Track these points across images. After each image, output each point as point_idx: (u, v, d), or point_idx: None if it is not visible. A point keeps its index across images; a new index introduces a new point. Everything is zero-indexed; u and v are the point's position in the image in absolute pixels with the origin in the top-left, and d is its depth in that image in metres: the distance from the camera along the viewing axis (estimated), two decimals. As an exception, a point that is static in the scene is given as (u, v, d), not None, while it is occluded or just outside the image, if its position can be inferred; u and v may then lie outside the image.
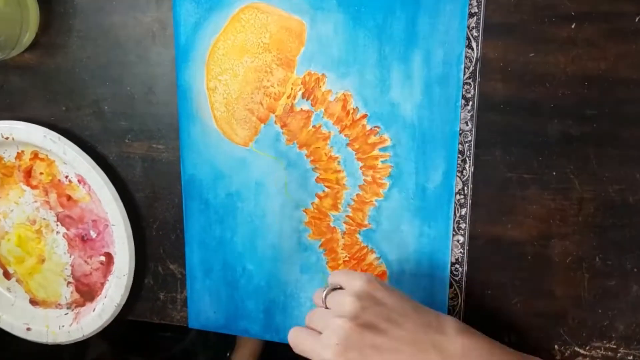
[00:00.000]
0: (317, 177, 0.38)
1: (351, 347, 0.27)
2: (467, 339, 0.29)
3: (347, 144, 0.37)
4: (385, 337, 0.28)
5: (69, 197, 0.42)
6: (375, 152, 0.36)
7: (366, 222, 0.37)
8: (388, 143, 0.36)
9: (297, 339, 0.30)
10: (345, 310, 0.29)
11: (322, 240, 0.39)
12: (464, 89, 0.34)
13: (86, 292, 0.44)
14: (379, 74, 0.35)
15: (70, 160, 0.40)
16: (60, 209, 0.42)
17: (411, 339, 0.28)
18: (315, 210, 0.38)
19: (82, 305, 0.43)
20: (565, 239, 0.34)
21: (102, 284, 0.42)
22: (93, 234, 0.43)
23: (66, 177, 0.42)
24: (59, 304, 0.44)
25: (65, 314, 0.43)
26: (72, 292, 0.43)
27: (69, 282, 0.44)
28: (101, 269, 0.43)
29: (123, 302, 0.41)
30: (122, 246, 0.40)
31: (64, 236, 0.43)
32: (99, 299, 0.42)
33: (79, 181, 0.41)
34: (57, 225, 0.43)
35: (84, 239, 0.43)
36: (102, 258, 0.42)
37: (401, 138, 0.36)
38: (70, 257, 0.43)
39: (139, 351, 0.66)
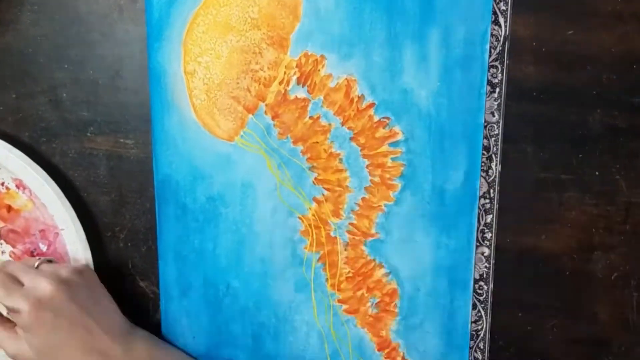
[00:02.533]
0: (315, 178, 0.37)
1: (47, 309, 0.34)
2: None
3: (351, 138, 0.36)
4: (85, 316, 0.35)
5: (9, 208, 0.41)
6: (385, 147, 0.36)
7: (373, 231, 0.37)
8: (399, 137, 0.35)
9: None
10: (62, 276, 0.36)
11: (321, 252, 0.38)
12: (489, 73, 0.34)
13: None
14: (388, 56, 0.35)
15: (3, 162, 0.39)
16: (1, 224, 0.41)
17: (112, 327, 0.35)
18: (313, 217, 0.38)
19: None
20: (610, 252, 0.34)
21: None
22: (43, 247, 0.42)
23: (2, 183, 0.41)
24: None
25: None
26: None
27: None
28: None
29: None
30: (77, 254, 0.40)
31: (10, 255, 0.42)
32: None
33: (17, 186, 0.41)
34: (1, 244, 0.42)
35: (34, 254, 0.42)
36: None
37: (415, 131, 0.35)
38: (23, 278, 0.42)
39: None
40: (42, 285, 0.34)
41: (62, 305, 0.34)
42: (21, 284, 0.35)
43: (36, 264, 0.37)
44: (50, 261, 0.38)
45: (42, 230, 0.41)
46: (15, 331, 0.35)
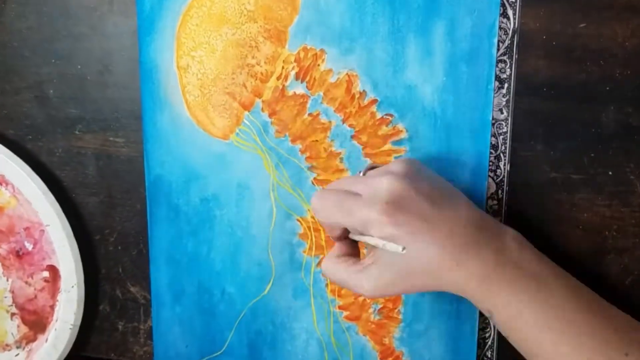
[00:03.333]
0: (315, 178, 0.37)
1: (403, 208, 0.28)
2: (524, 245, 0.30)
3: (352, 137, 0.36)
4: (440, 212, 0.29)
5: (-8, 206, 0.42)
6: (388, 146, 0.35)
7: None
8: (403, 135, 0.35)
9: (325, 199, 0.30)
10: (396, 171, 0.30)
11: (321, 256, 0.38)
12: (497, 68, 0.34)
13: (35, 323, 0.43)
14: (391, 50, 0.34)
15: None
16: (-17, 224, 0.42)
17: (464, 223, 0.29)
18: (312, 220, 0.37)
19: (33, 339, 0.43)
20: (624, 255, 0.34)
21: (52, 307, 0.42)
22: (29, 246, 0.42)
23: (-18, 180, 0.41)
24: (7, 345, 0.44)
25: (16, 355, 0.43)
26: (18, 326, 0.43)
27: (12, 314, 0.43)
28: (47, 288, 0.42)
29: (78, 323, 0.41)
30: (64, 250, 0.40)
31: (-5, 256, 0.43)
32: (50, 326, 0.42)
33: (-1, 183, 0.41)
34: (-16, 244, 0.43)
35: (20, 254, 0.42)
36: (46, 274, 0.42)
37: (419, 129, 0.35)
38: (8, 280, 0.43)
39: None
40: (384, 185, 0.29)
41: (415, 202, 0.28)
42: (358, 195, 0.30)
43: (362, 173, 0.32)
44: (373, 168, 0.32)
45: (27, 228, 0.41)
46: (362, 264, 0.30)
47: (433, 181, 0.31)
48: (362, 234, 0.30)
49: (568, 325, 0.27)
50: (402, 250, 0.27)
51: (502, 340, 0.36)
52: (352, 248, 0.33)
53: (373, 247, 0.30)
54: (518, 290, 0.28)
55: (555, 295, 0.28)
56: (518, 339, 0.29)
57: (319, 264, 0.37)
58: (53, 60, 0.39)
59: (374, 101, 0.35)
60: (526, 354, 0.29)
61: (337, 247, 0.33)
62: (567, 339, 0.27)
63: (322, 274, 0.31)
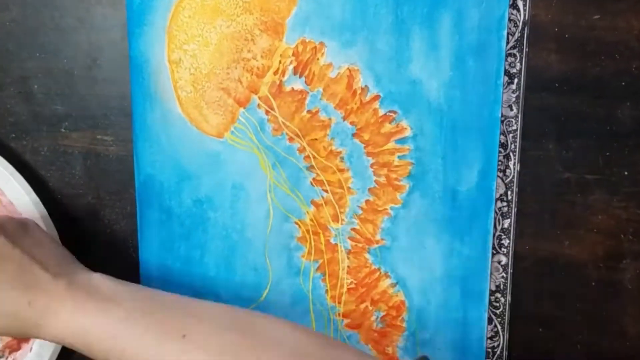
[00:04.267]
0: (314, 179, 0.37)
1: None
2: (97, 276, 0.34)
3: (354, 135, 0.36)
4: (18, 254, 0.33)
5: (-27, 209, 0.41)
6: (391, 144, 0.35)
7: (378, 237, 0.37)
8: (407, 133, 0.35)
9: None
10: None
11: (320, 261, 0.38)
12: (507, 62, 0.34)
13: None
14: (394, 43, 0.34)
15: None
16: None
17: (43, 258, 0.33)
18: (311, 222, 0.37)
19: (17, 349, 0.42)
20: None
21: None
22: None
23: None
24: None
25: (-1, 366, 0.43)
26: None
27: (-6, 321, 0.43)
28: None
29: None
30: None
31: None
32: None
33: (-21, 184, 0.41)
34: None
35: None
36: None
37: (424, 126, 0.35)
38: (-10, 284, 0.42)
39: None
40: None
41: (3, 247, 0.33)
42: None
43: None
44: None
45: None
46: None
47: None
48: None
49: (130, 321, 0.31)
50: None
51: (512, 350, 0.36)
52: None
53: None
54: (85, 313, 0.31)
55: (119, 306, 0.31)
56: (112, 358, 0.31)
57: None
58: (38, 54, 0.39)
59: (376, 97, 0.35)
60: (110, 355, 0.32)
61: None
62: (130, 333, 0.30)
63: None
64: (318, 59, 0.35)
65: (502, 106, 0.34)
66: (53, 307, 0.31)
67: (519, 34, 0.33)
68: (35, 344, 0.41)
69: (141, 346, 0.30)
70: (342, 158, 0.36)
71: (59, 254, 0.35)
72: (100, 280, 0.33)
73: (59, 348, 0.41)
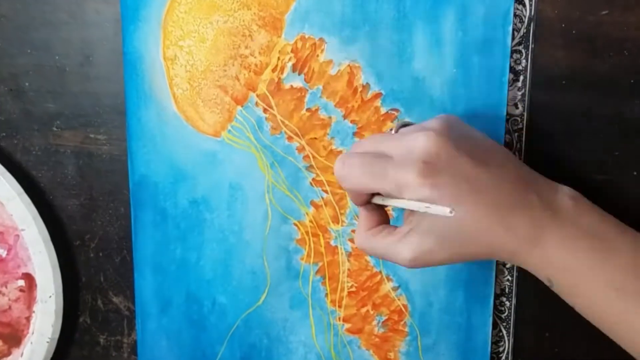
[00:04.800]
0: (313, 179, 0.37)
1: (442, 169, 0.27)
2: (581, 202, 0.29)
3: (354, 134, 0.36)
4: (484, 171, 0.27)
5: (-39, 211, 0.41)
6: None
7: None
8: None
9: (351, 165, 0.29)
10: (433, 127, 0.28)
11: (320, 264, 0.37)
12: (512, 59, 0.33)
13: (9, 336, 0.43)
14: (397, 39, 0.34)
15: None
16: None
17: (512, 181, 0.28)
18: (311, 224, 0.37)
19: (7, 354, 0.43)
20: None
21: (28, 319, 0.42)
22: (2, 252, 0.41)
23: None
24: None
25: (-10, 372, 0.44)
26: (-9, 340, 0.43)
27: (-16, 327, 0.43)
28: (22, 299, 0.42)
29: (56, 336, 0.41)
30: (40, 257, 0.40)
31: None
32: (26, 340, 0.42)
33: (-33, 184, 0.41)
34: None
35: None
36: (21, 282, 0.42)
37: None
38: (-21, 289, 0.43)
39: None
40: (420, 143, 0.27)
41: (455, 161, 0.27)
42: (389, 157, 0.28)
43: (393, 130, 0.30)
44: (405, 125, 0.31)
45: (0, 233, 0.41)
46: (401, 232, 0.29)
47: (475, 138, 0.29)
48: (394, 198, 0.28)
49: (638, 286, 0.26)
50: (450, 213, 0.26)
51: (517, 355, 0.36)
52: (381, 215, 0.31)
53: (411, 213, 0.29)
54: (577, 251, 0.27)
55: (622, 256, 0.27)
56: (585, 308, 0.28)
57: (351, 240, 0.37)
58: (29, 51, 0.39)
59: (378, 95, 0.35)
60: (598, 323, 0.28)
61: (365, 218, 0.31)
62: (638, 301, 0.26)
63: (359, 248, 0.31)
64: (318, 55, 0.35)
65: (507, 104, 0.34)
66: (537, 235, 0.27)
67: (525, 30, 0.33)
68: (27, 349, 0.42)
69: None
70: None
71: (516, 168, 0.29)
72: (591, 215, 0.28)
73: (52, 353, 0.41)
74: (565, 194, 0.29)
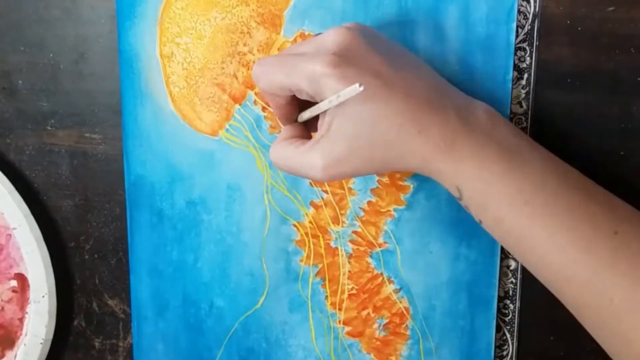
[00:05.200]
0: None
1: (352, 61, 0.27)
2: (495, 116, 0.29)
3: None
4: (397, 71, 0.27)
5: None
6: None
7: (381, 241, 0.36)
8: None
9: (266, 63, 0.29)
10: (346, 25, 0.29)
11: (320, 266, 0.37)
12: (516, 57, 0.33)
13: (3, 337, 0.43)
14: (398, 35, 0.34)
15: None
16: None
17: (426, 85, 0.28)
18: (310, 225, 0.37)
19: (1, 356, 0.43)
20: None
21: (21, 320, 0.42)
22: None
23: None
24: None
25: (-17, 375, 0.44)
26: (-17, 342, 0.43)
27: (-22, 329, 0.43)
28: (15, 299, 0.42)
29: (50, 337, 0.41)
30: (33, 257, 0.40)
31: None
32: (19, 342, 0.42)
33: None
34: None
35: None
36: (13, 283, 0.42)
37: None
38: (-29, 290, 0.43)
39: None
40: (331, 37, 0.27)
41: (367, 56, 0.27)
42: (302, 54, 0.28)
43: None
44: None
45: None
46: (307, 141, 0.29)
47: (390, 43, 0.30)
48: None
49: (548, 200, 0.26)
50: (360, 87, 0.25)
51: (521, 358, 0.36)
52: (302, 130, 0.31)
53: (323, 119, 0.29)
54: (489, 160, 0.27)
55: (533, 169, 0.27)
56: (492, 223, 0.28)
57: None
58: (22, 48, 0.39)
59: None
60: (503, 240, 0.28)
61: (285, 130, 0.31)
62: (547, 215, 0.26)
63: (272, 163, 0.31)
64: None
65: (511, 103, 0.34)
66: (450, 141, 0.27)
67: (529, 27, 0.33)
68: (20, 351, 0.41)
69: (557, 229, 0.26)
70: None
71: (422, 67, 0.29)
72: (504, 130, 0.28)
73: (45, 355, 0.41)
74: (480, 107, 0.29)
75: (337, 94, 0.26)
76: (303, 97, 0.29)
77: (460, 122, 0.27)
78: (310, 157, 0.28)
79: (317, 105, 0.28)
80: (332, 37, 0.27)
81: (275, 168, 0.36)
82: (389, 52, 0.28)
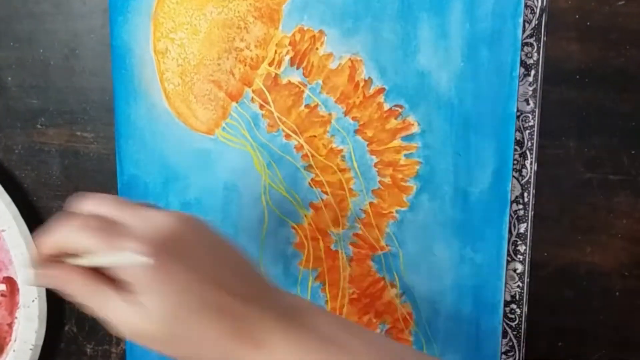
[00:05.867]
0: (313, 179, 0.37)
1: (182, 255, 0.26)
2: (312, 307, 0.28)
3: (356, 131, 0.36)
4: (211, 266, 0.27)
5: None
6: (397, 142, 0.35)
7: (383, 243, 0.37)
8: (415, 129, 0.35)
9: (81, 219, 0.27)
10: (178, 214, 0.28)
11: (320, 269, 0.37)
12: (523, 53, 0.33)
13: None
14: (401, 31, 0.34)
15: None
16: None
17: (242, 280, 0.27)
18: (309, 227, 0.37)
19: None
20: None
21: (10, 325, 0.42)
22: None
23: None
24: None
25: (-28, 382, 0.44)
26: (-29, 347, 0.44)
27: (-36, 333, 0.44)
28: (4, 304, 0.42)
29: (40, 343, 0.41)
30: (22, 258, 0.40)
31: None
32: (8, 347, 0.42)
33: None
34: None
35: None
36: (2, 287, 0.42)
37: (433, 122, 0.35)
38: (-42, 294, 0.43)
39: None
40: (159, 219, 0.26)
41: (189, 247, 0.26)
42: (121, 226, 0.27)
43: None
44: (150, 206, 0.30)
45: None
46: (130, 295, 0.26)
47: (222, 242, 0.29)
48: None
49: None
50: (151, 261, 0.24)
51: (528, 365, 0.36)
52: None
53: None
54: (308, 354, 0.26)
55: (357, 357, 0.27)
56: None
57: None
58: (11, 44, 0.39)
59: (381, 90, 0.35)
60: None
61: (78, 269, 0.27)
62: None
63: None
64: (317, 48, 0.35)
65: (517, 100, 0.34)
66: (263, 338, 0.26)
67: (537, 22, 0.33)
68: (10, 357, 0.42)
69: None
70: (343, 157, 0.36)
71: (249, 271, 0.29)
72: (316, 315, 0.28)
73: (37, 355, 0.41)
74: (296, 299, 0.29)
75: (128, 254, 0.25)
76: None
77: (272, 316, 0.26)
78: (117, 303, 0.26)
79: (106, 258, 0.25)
80: (167, 223, 0.26)
81: (273, 168, 0.37)
82: (220, 251, 0.28)
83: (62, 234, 0.26)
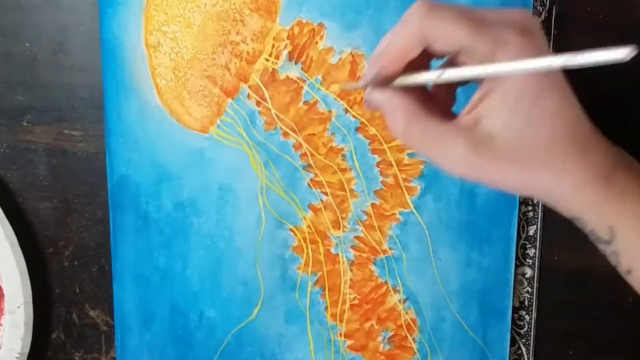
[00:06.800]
0: (312, 180, 0.37)
1: (543, 44, 0.24)
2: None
3: (357, 129, 0.36)
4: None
5: None
6: (400, 141, 0.35)
7: (385, 247, 0.37)
8: None
9: (444, 10, 0.24)
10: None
11: (319, 274, 0.37)
12: None
13: None
14: None
15: None
16: None
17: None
18: (308, 230, 0.37)
19: None
20: None
21: None
22: None
23: None
24: None
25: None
26: (-46, 355, 0.44)
27: (-53, 341, 0.44)
28: None
29: (26, 351, 0.41)
30: (7, 263, 0.40)
31: None
32: None
33: None
34: None
35: None
36: None
37: None
38: (-59, 300, 0.43)
39: None
40: (516, 14, 0.24)
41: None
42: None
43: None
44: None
45: None
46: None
47: None
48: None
49: None
50: (631, 52, 0.19)
51: (537, 374, 0.36)
52: (422, 94, 0.27)
53: (476, 99, 0.25)
54: None
55: None
56: None
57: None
58: None
59: None
60: None
61: (404, 99, 0.25)
62: None
63: (399, 136, 0.25)
64: (316, 42, 0.35)
65: (527, 96, 0.33)
66: (610, 170, 0.24)
67: (546, 14, 0.33)
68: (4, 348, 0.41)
69: None
70: (343, 156, 0.36)
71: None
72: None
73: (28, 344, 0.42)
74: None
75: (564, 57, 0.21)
76: (436, 53, 0.25)
77: (614, 153, 0.25)
78: (451, 139, 0.24)
79: (475, 68, 0.23)
80: (520, 15, 0.24)
81: (270, 168, 0.36)
82: None
83: (433, 27, 0.24)
